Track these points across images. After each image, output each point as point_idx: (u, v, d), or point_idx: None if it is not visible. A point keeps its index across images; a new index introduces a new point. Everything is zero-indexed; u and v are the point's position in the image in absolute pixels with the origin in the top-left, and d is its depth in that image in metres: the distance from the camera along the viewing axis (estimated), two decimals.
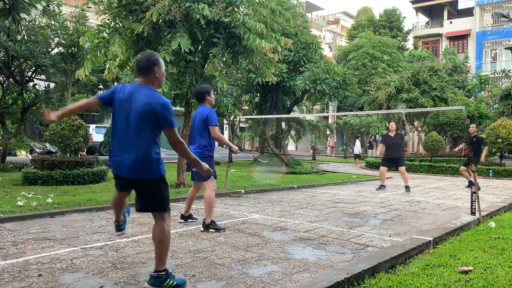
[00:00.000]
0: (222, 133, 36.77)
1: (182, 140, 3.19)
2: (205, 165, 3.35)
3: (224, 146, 6.01)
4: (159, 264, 3.19)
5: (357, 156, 22.72)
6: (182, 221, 5.73)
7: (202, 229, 5.22)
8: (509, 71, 28.34)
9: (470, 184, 11.60)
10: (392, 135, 10.46)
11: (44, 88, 13.16)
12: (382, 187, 10.67)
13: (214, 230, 5.19)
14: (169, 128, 3.10)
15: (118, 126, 3.17)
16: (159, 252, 3.18)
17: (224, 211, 6.85)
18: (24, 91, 12.98)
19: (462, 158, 21.32)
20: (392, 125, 10.52)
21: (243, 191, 9.28)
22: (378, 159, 20.28)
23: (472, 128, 10.97)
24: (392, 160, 10.52)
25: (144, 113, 3.07)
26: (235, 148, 5.85)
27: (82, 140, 10.68)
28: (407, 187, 10.22)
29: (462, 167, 10.94)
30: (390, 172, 15.07)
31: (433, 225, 5.93)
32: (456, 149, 11.61)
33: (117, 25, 8.71)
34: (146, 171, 3.13)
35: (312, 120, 27.86)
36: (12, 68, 12.49)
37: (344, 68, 17.57)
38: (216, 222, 5.33)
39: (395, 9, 43.17)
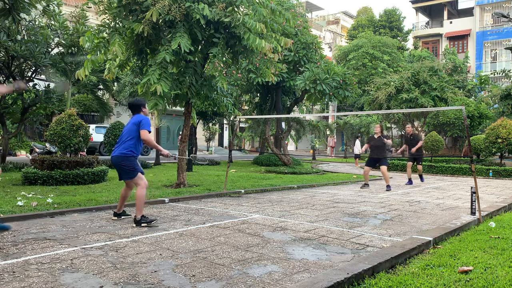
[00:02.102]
0: (222, 133, 36.77)
1: None
2: None
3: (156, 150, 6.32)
4: None
5: (357, 156, 22.72)
6: (115, 218, 5.91)
7: (134, 225, 5.38)
8: (509, 71, 28.34)
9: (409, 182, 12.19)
10: (376, 137, 10.88)
11: (44, 88, 13.14)
12: (366, 185, 11.05)
13: (146, 224, 5.37)
14: None
15: None
16: None
17: (224, 211, 6.85)
18: (24, 91, 12.97)
19: (462, 158, 21.34)
20: (377, 128, 10.93)
21: (243, 191, 9.28)
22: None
23: (408, 128, 11.62)
24: (376, 160, 10.90)
25: None
26: (165, 152, 6.02)
27: (82, 140, 10.68)
28: (388, 186, 10.55)
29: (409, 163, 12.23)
30: (390, 172, 15.07)
31: (433, 225, 5.93)
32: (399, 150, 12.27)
33: (117, 25, 8.71)
34: None
35: (312, 120, 27.86)
36: (12, 68, 12.49)
37: (344, 68, 17.58)
38: (146, 216, 5.49)
39: (395, 9, 43.20)
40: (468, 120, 21.84)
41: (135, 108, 5.78)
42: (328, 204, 7.91)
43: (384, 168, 10.72)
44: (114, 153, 5.60)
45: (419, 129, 22.31)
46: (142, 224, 5.37)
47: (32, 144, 19.38)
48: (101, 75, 15.99)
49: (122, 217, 5.98)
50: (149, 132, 5.57)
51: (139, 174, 5.59)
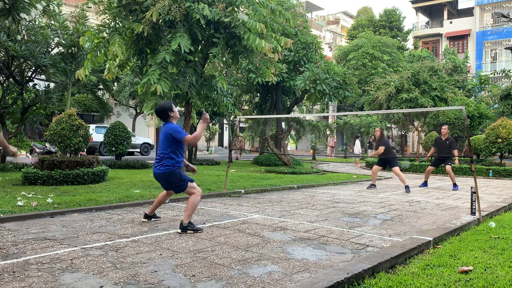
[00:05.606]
0: (222, 133, 36.76)
1: None
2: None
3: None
4: None
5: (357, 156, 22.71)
6: (145, 220, 5.73)
7: (179, 231, 5.13)
8: (509, 71, 28.36)
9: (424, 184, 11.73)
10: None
11: (44, 88, 13.13)
12: (372, 186, 10.92)
13: (192, 232, 5.14)
14: None
15: None
16: None
17: (224, 211, 6.85)
18: (24, 91, 12.97)
19: (462, 158, 21.35)
20: (444, 130, 11.31)
21: (243, 191, 9.28)
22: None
23: (444, 130, 11.48)
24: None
25: None
26: (206, 117, 5.35)
27: (82, 140, 10.68)
28: (406, 187, 10.20)
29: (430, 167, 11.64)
30: (390, 172, 15.09)
31: (433, 225, 5.93)
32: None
33: (117, 25, 8.72)
34: None
35: (312, 120, 27.87)
36: (12, 68, 12.49)
37: (344, 68, 17.59)
38: (192, 223, 5.25)
39: (395, 9, 43.22)
40: (468, 120, 21.85)
41: (162, 115, 5.29)
42: (328, 204, 7.91)
43: (396, 169, 10.31)
44: (157, 170, 5.26)
45: (419, 129, 22.32)
46: (188, 231, 5.13)
47: (32, 144, 19.40)
48: (101, 75, 16.01)
49: (152, 219, 5.79)
50: (185, 136, 5.10)
51: (189, 183, 5.24)
